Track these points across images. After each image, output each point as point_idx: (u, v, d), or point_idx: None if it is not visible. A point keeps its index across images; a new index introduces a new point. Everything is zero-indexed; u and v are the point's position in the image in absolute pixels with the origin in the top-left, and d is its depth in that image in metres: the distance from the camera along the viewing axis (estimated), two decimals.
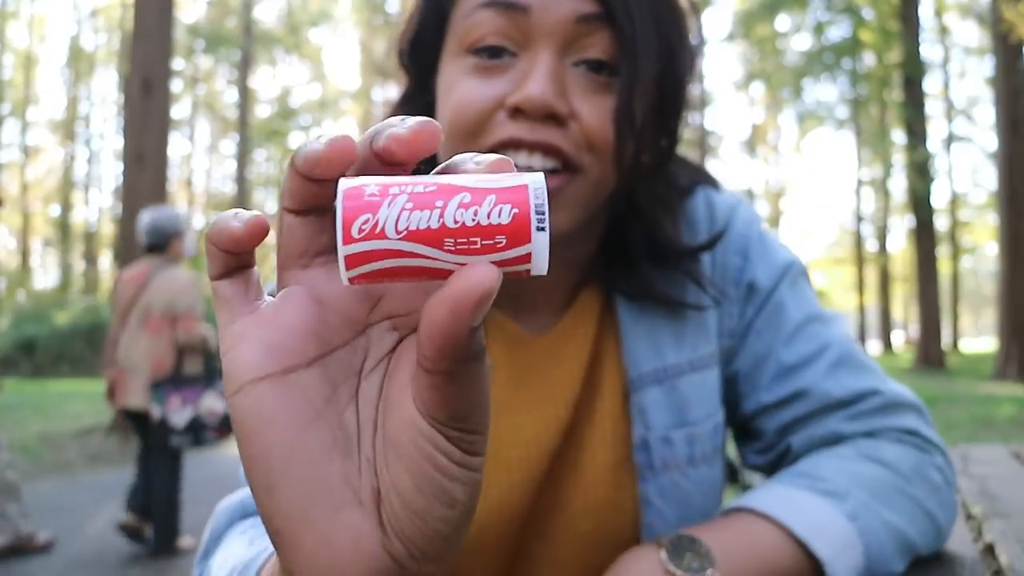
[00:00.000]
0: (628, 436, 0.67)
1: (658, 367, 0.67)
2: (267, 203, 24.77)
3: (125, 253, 7.18)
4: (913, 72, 13.40)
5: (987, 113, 19.67)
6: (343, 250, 0.26)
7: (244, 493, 0.59)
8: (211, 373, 3.54)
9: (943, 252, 18.54)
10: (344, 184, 0.27)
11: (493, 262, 0.26)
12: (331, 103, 25.17)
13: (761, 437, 0.70)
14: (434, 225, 0.26)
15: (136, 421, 3.58)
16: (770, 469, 0.72)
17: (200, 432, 3.44)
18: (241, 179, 21.81)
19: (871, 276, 23.64)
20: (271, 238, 0.32)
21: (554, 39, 0.58)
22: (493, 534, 0.64)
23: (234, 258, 0.30)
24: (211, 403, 3.46)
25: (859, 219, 21.99)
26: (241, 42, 21.14)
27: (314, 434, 0.29)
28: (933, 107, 18.89)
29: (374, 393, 0.31)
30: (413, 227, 0.26)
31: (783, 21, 17.54)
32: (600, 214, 0.65)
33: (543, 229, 0.26)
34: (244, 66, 22.09)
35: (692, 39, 0.64)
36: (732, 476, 0.83)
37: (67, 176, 24.17)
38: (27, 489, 4.27)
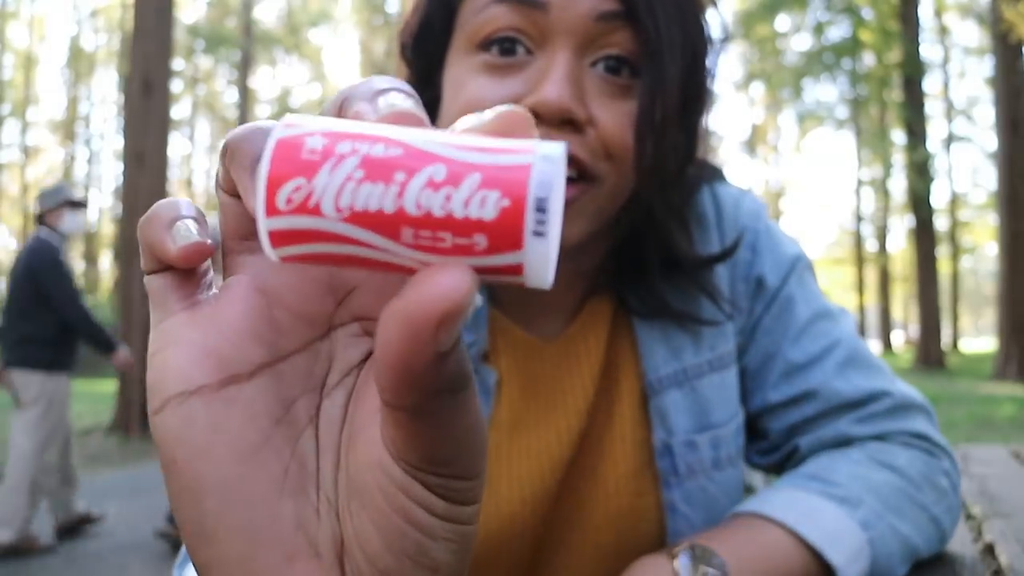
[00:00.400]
0: (648, 442, 0.64)
1: (677, 369, 0.65)
2: None
3: (125, 253, 7.19)
4: (913, 72, 13.41)
5: (987, 113, 19.66)
6: (264, 223, 0.20)
7: None
8: None
9: (943, 252, 18.54)
10: (280, 130, 0.20)
11: (471, 267, 0.19)
12: None
13: (766, 437, 0.69)
14: (388, 208, 0.19)
15: None
16: (775, 469, 0.71)
17: None
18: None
19: (871, 276, 23.65)
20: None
21: (572, 38, 0.54)
22: (507, 549, 0.62)
23: None
24: None
25: (859, 219, 21.99)
26: (241, 42, 21.16)
27: (260, 466, 0.23)
28: (933, 107, 18.91)
29: (338, 414, 0.25)
30: (359, 207, 0.19)
31: (783, 21, 17.55)
32: (611, 223, 0.61)
33: (542, 234, 0.19)
34: (244, 66, 22.12)
35: (714, 33, 0.61)
36: None
37: (67, 176, 24.13)
38: None
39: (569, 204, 0.54)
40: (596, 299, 0.66)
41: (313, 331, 0.26)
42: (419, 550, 0.23)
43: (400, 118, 0.21)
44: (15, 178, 24.12)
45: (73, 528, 3.76)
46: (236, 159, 0.23)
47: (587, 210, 0.56)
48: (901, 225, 21.97)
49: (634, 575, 0.55)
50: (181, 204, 0.26)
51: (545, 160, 0.19)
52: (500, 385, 0.63)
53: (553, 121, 0.53)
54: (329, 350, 0.26)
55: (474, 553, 0.27)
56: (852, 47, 14.81)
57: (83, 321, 3.60)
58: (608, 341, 0.66)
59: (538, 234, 0.19)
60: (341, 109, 0.23)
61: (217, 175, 0.25)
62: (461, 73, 0.57)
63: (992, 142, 15.11)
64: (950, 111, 20.03)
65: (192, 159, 26.52)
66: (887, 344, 20.93)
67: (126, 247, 7.18)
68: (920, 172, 13.18)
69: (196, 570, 0.24)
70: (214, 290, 0.26)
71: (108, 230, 23.40)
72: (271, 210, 0.20)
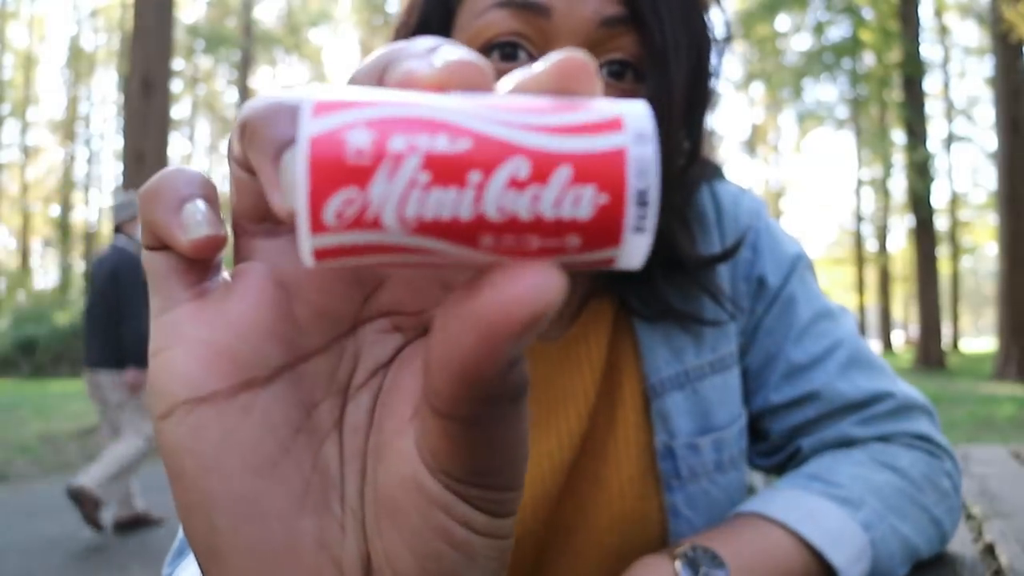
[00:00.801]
0: (650, 445, 0.64)
1: (679, 371, 0.64)
2: None
3: None
4: (913, 72, 13.39)
5: (987, 113, 19.67)
6: (309, 242, 0.16)
7: None
8: None
9: (943, 252, 18.53)
10: (310, 121, 0.16)
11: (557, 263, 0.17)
12: None
13: (768, 438, 0.69)
14: (465, 215, 0.16)
15: None
16: (777, 470, 0.71)
17: None
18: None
19: (871, 276, 23.64)
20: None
21: (576, 43, 0.53)
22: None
23: None
24: None
25: (859, 219, 21.97)
26: (241, 42, 21.16)
27: (278, 480, 0.21)
28: (933, 107, 18.89)
29: (364, 420, 0.23)
30: (429, 217, 0.16)
31: (783, 21, 17.53)
32: None
33: (643, 229, 0.17)
34: (244, 66, 22.11)
35: (718, 33, 0.60)
36: None
37: (67, 176, 24.14)
38: (27, 489, 4.28)
39: None
40: (597, 301, 0.65)
41: (337, 328, 0.23)
42: (455, 571, 0.21)
43: (463, 69, 0.17)
44: (15, 178, 24.12)
45: (133, 524, 3.83)
46: (256, 145, 0.20)
47: None
48: (901, 225, 21.95)
49: (635, 575, 0.55)
50: (191, 177, 0.22)
51: (639, 140, 0.16)
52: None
53: None
54: (355, 348, 0.23)
55: None
56: (852, 47, 14.79)
57: (135, 332, 3.70)
58: (609, 343, 0.65)
59: (639, 229, 0.17)
60: (384, 73, 0.19)
61: (230, 145, 0.22)
62: None
63: (992, 142, 15.11)
64: (950, 111, 20.02)
65: (192, 159, 26.52)
66: (887, 344, 20.92)
67: None
68: (920, 172, 13.17)
69: None
70: (224, 274, 0.23)
71: (108, 230, 23.37)
72: (317, 227, 0.16)
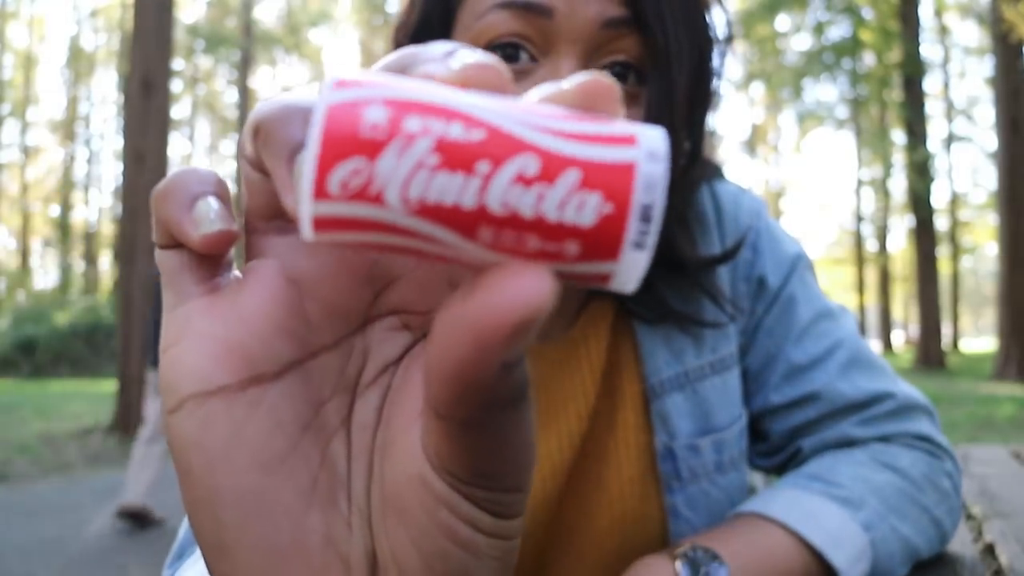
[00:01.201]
0: (651, 446, 0.63)
1: (678, 372, 0.64)
2: None
3: (125, 253, 7.19)
4: (913, 72, 13.40)
5: (987, 113, 19.68)
6: (309, 207, 0.16)
7: None
8: None
9: (943, 252, 18.54)
10: (330, 92, 0.16)
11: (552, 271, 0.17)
12: None
13: (768, 438, 0.69)
14: (467, 204, 0.16)
15: None
16: (777, 470, 0.71)
17: None
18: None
19: (871, 276, 23.66)
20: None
21: (578, 44, 0.52)
22: None
23: None
24: None
25: (859, 219, 21.99)
26: (241, 42, 21.17)
27: (286, 476, 0.21)
28: (933, 107, 18.91)
29: (372, 417, 0.23)
30: (432, 200, 0.16)
31: (783, 21, 17.54)
32: None
33: (643, 246, 0.16)
34: (244, 66, 22.12)
35: (719, 33, 0.60)
36: None
37: (67, 176, 24.18)
38: (27, 489, 4.28)
39: None
40: (597, 302, 0.65)
41: (347, 325, 0.23)
42: (461, 570, 0.21)
43: (481, 72, 0.18)
44: (15, 178, 24.13)
45: (135, 517, 3.87)
46: (269, 147, 0.20)
47: None
48: (901, 225, 21.96)
49: (635, 575, 0.55)
50: (202, 175, 0.23)
51: (650, 158, 0.16)
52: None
53: None
54: (364, 345, 0.23)
55: None
56: (852, 47, 14.80)
57: None
58: (609, 344, 0.65)
59: (638, 246, 0.16)
60: (404, 73, 0.20)
61: (242, 145, 0.22)
62: None
63: (992, 142, 15.12)
64: (950, 111, 20.03)
65: (192, 159, 26.53)
66: (887, 344, 20.92)
67: (126, 247, 7.18)
68: (920, 172, 13.18)
69: None
70: (236, 272, 0.23)
71: (108, 230, 23.41)
72: (320, 193, 0.16)
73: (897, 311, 28.35)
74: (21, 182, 24.04)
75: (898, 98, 14.19)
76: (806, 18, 16.35)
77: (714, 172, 0.71)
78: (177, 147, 25.20)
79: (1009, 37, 10.38)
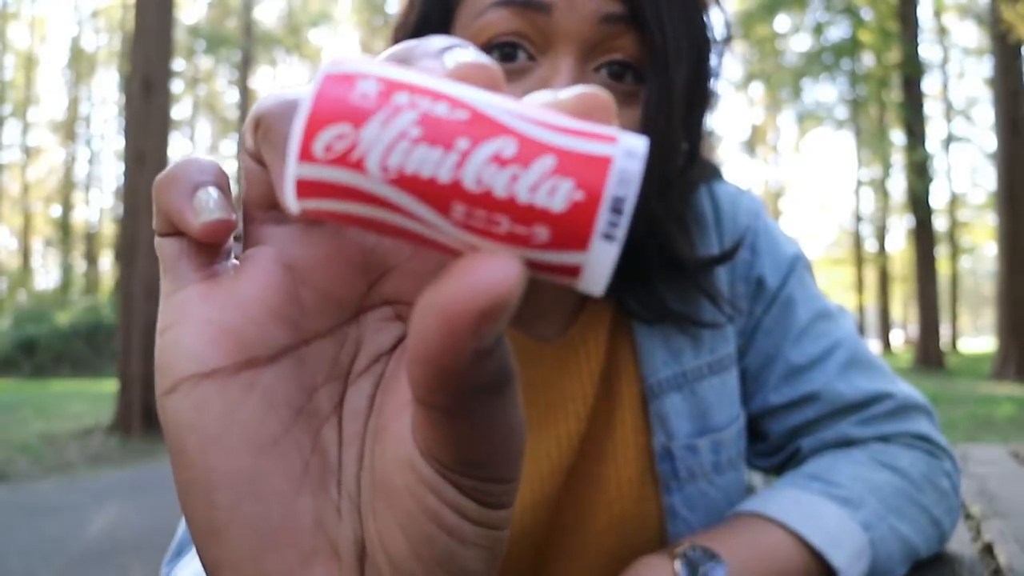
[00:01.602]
0: (649, 446, 0.64)
1: (677, 372, 0.64)
2: None
3: (126, 253, 7.20)
4: (912, 73, 13.39)
5: (986, 113, 19.67)
6: (294, 169, 0.17)
7: None
8: None
9: (942, 252, 18.54)
10: (329, 66, 0.17)
11: (523, 260, 0.17)
12: None
13: (767, 438, 0.69)
14: (443, 178, 0.16)
15: None
16: (776, 471, 0.71)
17: None
18: (242, 180, 21.80)
19: (870, 276, 23.64)
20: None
21: (576, 42, 0.52)
22: (509, 554, 0.61)
23: None
24: None
25: (858, 219, 21.98)
26: (241, 43, 21.15)
27: (278, 458, 0.21)
28: (932, 107, 18.90)
29: (364, 405, 0.23)
30: (410, 170, 0.16)
31: (782, 22, 17.54)
32: None
33: (612, 238, 0.17)
34: (245, 67, 22.10)
35: (718, 33, 0.60)
36: None
37: (68, 176, 24.14)
38: (28, 489, 4.29)
39: None
40: (595, 303, 0.66)
41: (341, 313, 0.23)
42: (447, 556, 0.21)
43: (475, 71, 0.18)
44: (16, 178, 24.11)
45: None
46: (269, 139, 0.21)
47: None
48: (900, 225, 21.95)
49: (634, 575, 0.55)
50: (204, 166, 0.23)
51: (628, 155, 0.17)
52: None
53: None
54: (357, 334, 0.24)
55: None
56: (851, 47, 14.79)
57: None
58: (607, 345, 0.65)
59: (608, 237, 0.16)
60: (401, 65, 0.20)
61: (242, 138, 0.22)
62: None
63: (991, 142, 15.12)
64: (949, 111, 20.01)
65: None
66: (886, 344, 20.91)
67: (127, 247, 7.19)
68: (919, 172, 13.17)
69: (204, 569, 0.22)
70: (234, 260, 0.24)
71: (109, 230, 23.38)
72: (305, 155, 0.17)
73: (896, 311, 28.33)
74: (22, 182, 24.01)
75: (897, 98, 14.18)
76: (805, 19, 16.35)
77: (712, 172, 0.71)
78: (178, 147, 25.21)
79: (1008, 38, 10.38)
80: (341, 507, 0.22)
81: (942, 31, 19.90)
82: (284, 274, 0.22)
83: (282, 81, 26.83)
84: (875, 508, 0.60)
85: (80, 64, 24.66)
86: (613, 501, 0.63)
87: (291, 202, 0.18)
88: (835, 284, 26.23)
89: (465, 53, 0.19)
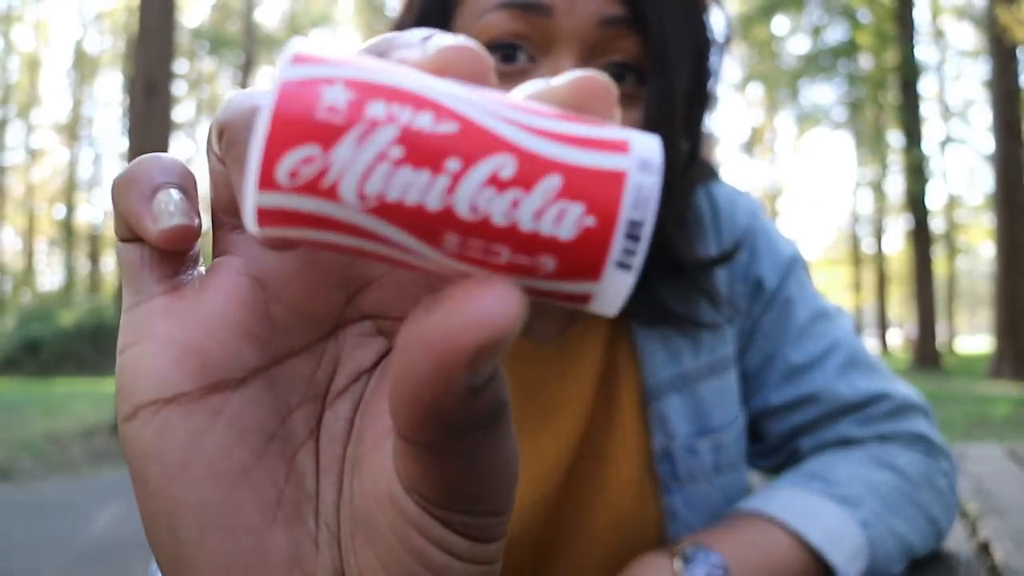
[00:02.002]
0: (649, 447, 0.63)
1: (676, 373, 0.64)
2: None
3: None
4: (909, 75, 13.42)
5: (983, 115, 19.74)
6: (254, 198, 0.15)
7: None
8: None
9: (939, 253, 18.59)
10: (287, 68, 0.15)
11: (524, 287, 0.15)
12: None
13: (766, 439, 0.70)
14: (432, 205, 0.14)
15: None
16: (775, 470, 0.72)
17: None
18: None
19: (868, 277, 23.68)
20: None
21: (577, 44, 0.52)
22: (508, 556, 0.59)
23: None
24: None
25: (856, 220, 22.03)
26: (243, 44, 21.16)
27: (248, 490, 0.19)
28: (929, 109, 18.95)
29: (342, 428, 0.21)
30: (392, 198, 0.14)
31: (780, 23, 17.60)
32: None
33: (628, 267, 0.15)
34: (246, 68, 22.10)
35: (718, 35, 0.60)
36: None
37: (72, 177, 24.07)
38: (32, 487, 4.33)
39: None
40: None
41: (317, 329, 0.21)
42: None
43: (458, 55, 0.16)
44: (20, 179, 24.05)
45: None
46: (232, 153, 0.19)
47: None
48: (898, 226, 21.98)
49: (634, 574, 0.55)
50: (166, 165, 0.21)
51: (643, 168, 0.15)
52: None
53: None
54: (335, 351, 0.22)
55: None
56: (849, 49, 14.82)
57: None
58: (607, 345, 0.65)
59: (623, 266, 0.15)
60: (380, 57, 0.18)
61: (209, 139, 0.21)
62: None
63: (988, 144, 15.16)
64: (946, 113, 20.05)
65: (195, 160, 26.50)
66: (884, 344, 20.96)
67: None
68: (916, 174, 13.20)
69: None
70: (200, 269, 0.22)
71: (112, 231, 23.32)
72: (267, 182, 0.14)
73: (893, 311, 28.36)
74: (26, 183, 23.92)
75: (894, 100, 14.20)
76: (803, 21, 16.41)
77: (710, 173, 0.71)
78: (180, 149, 25.21)
79: (1004, 40, 10.43)
80: (319, 539, 0.20)
81: (939, 33, 19.94)
82: (253, 287, 0.20)
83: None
84: (873, 507, 0.60)
85: (84, 66, 24.59)
86: (613, 502, 0.63)
87: (252, 228, 0.15)
88: (833, 284, 26.25)
89: (449, 38, 0.17)
